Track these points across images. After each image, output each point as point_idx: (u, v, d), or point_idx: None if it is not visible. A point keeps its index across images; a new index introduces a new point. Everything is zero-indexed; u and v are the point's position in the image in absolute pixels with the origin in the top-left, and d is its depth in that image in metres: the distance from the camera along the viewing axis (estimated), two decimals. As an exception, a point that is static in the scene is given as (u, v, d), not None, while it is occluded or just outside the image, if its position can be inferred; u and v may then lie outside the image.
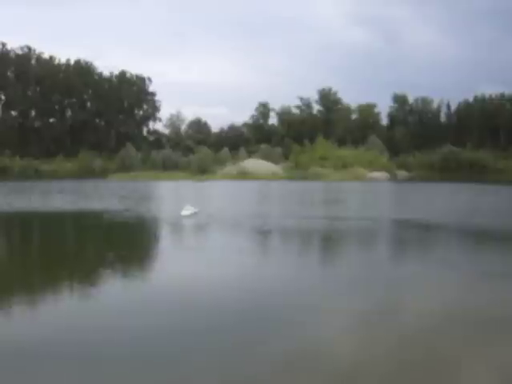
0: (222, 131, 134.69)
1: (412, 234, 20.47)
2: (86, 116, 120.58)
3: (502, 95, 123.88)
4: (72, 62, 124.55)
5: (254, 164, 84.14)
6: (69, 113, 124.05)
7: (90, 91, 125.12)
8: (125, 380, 6.53)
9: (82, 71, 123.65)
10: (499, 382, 6.56)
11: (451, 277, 12.24)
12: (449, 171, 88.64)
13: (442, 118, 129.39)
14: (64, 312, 9.42)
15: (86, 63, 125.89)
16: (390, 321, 8.89)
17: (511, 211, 27.29)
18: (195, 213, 24.53)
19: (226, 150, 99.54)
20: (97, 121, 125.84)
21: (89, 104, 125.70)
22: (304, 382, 6.46)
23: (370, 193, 48.11)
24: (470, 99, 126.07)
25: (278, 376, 6.62)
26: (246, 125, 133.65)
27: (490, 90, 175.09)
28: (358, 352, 7.46)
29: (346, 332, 8.43)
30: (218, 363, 7.02)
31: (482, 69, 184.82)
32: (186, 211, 24.43)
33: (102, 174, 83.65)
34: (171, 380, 6.56)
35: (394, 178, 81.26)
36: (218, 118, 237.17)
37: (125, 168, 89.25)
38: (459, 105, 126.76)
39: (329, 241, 19.01)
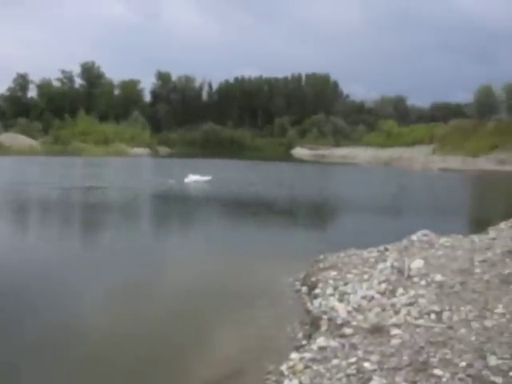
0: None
1: (162, 205, 21.58)
2: None
3: (260, 77, 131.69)
4: None
5: (10, 139, 79.84)
6: None
7: None
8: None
9: None
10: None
11: (206, 250, 12.90)
12: (210, 148, 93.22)
13: (204, 96, 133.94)
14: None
15: None
16: (146, 295, 9.15)
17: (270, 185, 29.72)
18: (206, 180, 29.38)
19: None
20: None
21: None
22: (52, 368, 6.35)
23: (129, 167, 48.72)
24: (231, 80, 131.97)
25: (26, 362, 6.47)
26: (2, 97, 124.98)
27: (248, 72, 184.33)
28: (111, 331, 7.50)
29: (102, 309, 8.52)
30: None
31: (240, 52, 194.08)
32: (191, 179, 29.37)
33: None
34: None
35: (155, 154, 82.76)
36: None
37: None
38: (220, 84, 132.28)
39: (89, 212, 19.22)
